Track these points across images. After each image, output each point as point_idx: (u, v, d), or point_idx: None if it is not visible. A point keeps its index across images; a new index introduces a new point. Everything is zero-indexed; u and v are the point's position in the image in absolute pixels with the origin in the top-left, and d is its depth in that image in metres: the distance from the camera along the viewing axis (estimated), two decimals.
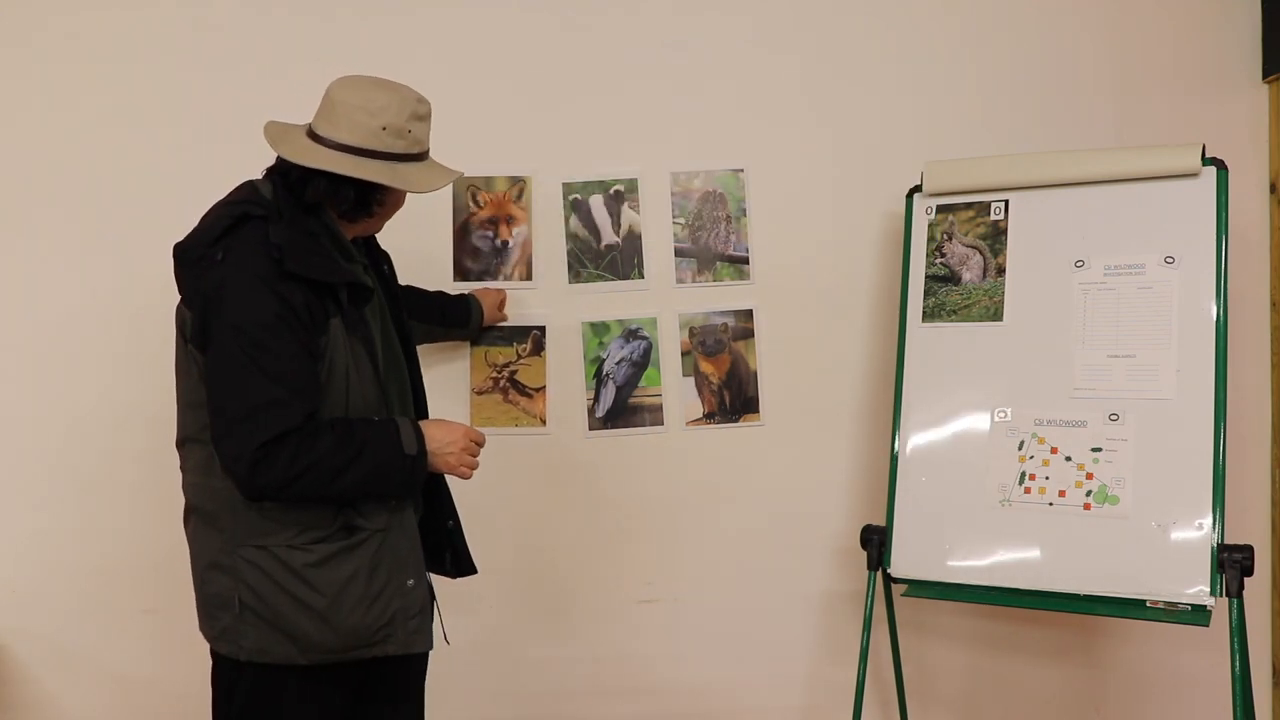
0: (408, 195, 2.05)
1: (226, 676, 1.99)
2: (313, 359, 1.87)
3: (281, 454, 1.80)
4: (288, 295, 1.84)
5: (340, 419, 1.91)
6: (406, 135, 1.96)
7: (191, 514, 2.01)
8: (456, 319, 2.70)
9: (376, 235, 2.23)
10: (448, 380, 2.83)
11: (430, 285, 2.75)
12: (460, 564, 2.27)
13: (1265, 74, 2.78)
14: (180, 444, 2.01)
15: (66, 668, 2.80)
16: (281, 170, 1.96)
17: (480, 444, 2.08)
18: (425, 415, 2.23)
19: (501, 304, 2.78)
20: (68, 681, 2.81)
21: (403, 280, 2.42)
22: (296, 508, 1.90)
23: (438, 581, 2.27)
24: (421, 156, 2.02)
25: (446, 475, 2.15)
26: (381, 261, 2.26)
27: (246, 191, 1.97)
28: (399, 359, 2.16)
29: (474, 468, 2.07)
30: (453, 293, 2.75)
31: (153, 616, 2.79)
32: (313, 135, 1.96)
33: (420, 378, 2.27)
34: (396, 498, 1.98)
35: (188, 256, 1.93)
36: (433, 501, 2.22)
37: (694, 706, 2.91)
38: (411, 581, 2.00)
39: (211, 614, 1.97)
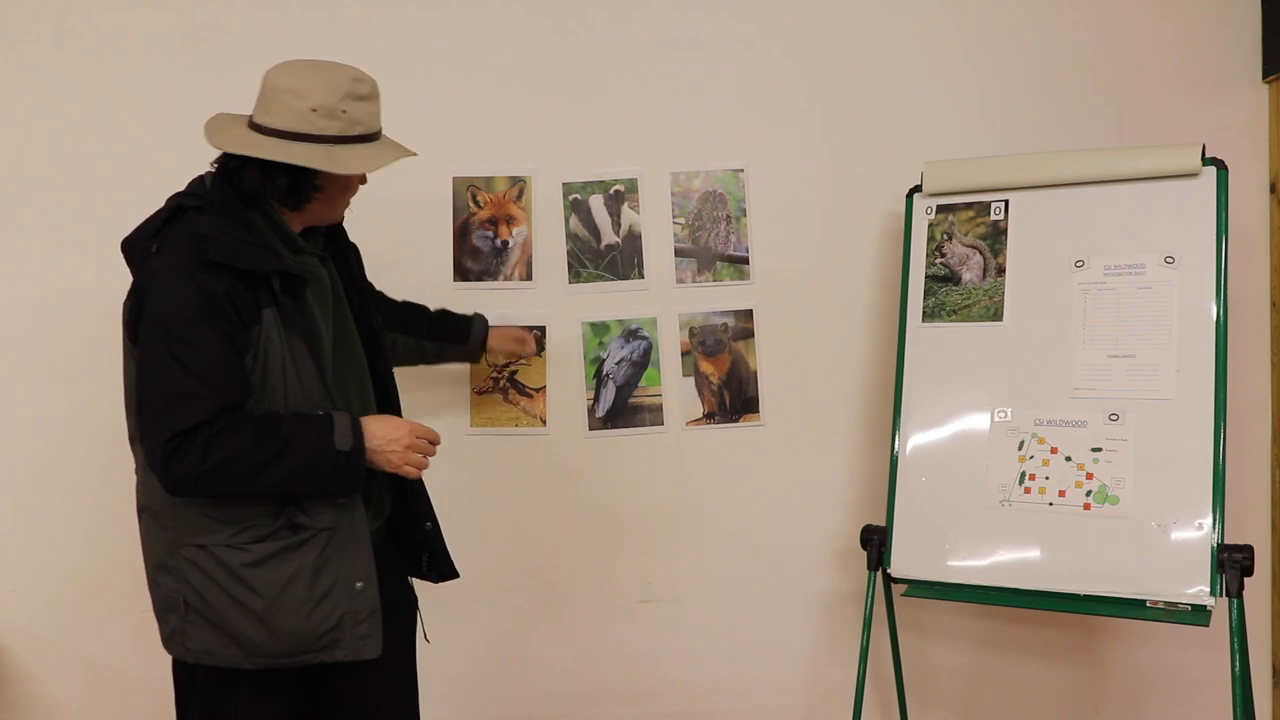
0: (370, 178, 2.03)
1: (182, 679, 2.00)
2: (236, 351, 1.82)
3: (194, 447, 1.76)
4: (210, 286, 1.80)
5: (268, 413, 1.84)
6: (341, 116, 1.88)
7: (141, 513, 1.97)
8: (449, 334, 2.58)
9: (343, 226, 2.16)
10: (448, 380, 2.83)
11: (430, 285, 2.74)
12: (440, 568, 2.21)
13: (1265, 74, 2.78)
14: (130, 442, 1.97)
15: (66, 668, 2.80)
16: (221, 161, 1.94)
17: (433, 441, 1.97)
18: (398, 414, 2.18)
19: (521, 340, 2.68)
20: (68, 681, 2.81)
21: (406, 286, 2.41)
22: (238, 505, 1.85)
23: (419, 583, 2.27)
24: (368, 138, 1.93)
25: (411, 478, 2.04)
26: (347, 254, 2.18)
27: (193, 184, 1.97)
28: (357, 354, 2.10)
29: (421, 467, 1.96)
30: (457, 309, 2.64)
31: (152, 616, 2.78)
32: (251, 124, 1.93)
33: (390, 375, 2.20)
34: (342, 495, 1.89)
35: (132, 252, 1.93)
36: (408, 502, 2.16)
37: (694, 706, 2.91)
38: (361, 584, 1.91)
39: (162, 615, 1.96)
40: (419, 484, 2.17)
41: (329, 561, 1.89)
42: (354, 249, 2.23)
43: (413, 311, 2.56)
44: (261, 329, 1.84)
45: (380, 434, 1.91)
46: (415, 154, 2.02)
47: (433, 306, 2.62)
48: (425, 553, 2.19)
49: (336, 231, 2.16)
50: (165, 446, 1.76)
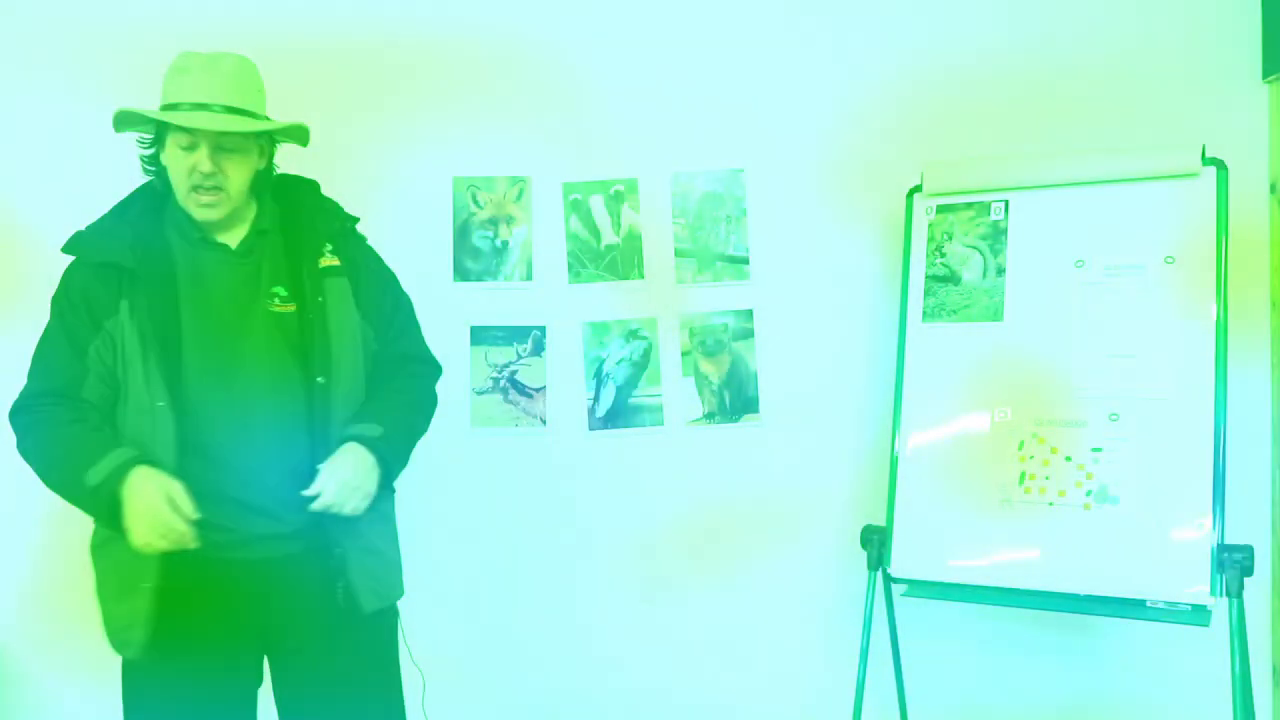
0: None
1: None
2: (71, 342, 1.91)
3: (15, 427, 1.95)
4: (70, 280, 1.95)
5: (78, 419, 1.89)
6: (166, 89, 1.95)
7: None
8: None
9: (362, 244, 2.16)
10: (448, 381, 2.82)
11: (430, 285, 2.73)
12: (350, 598, 1.99)
13: (1265, 74, 2.77)
14: None
15: (66, 668, 2.80)
16: None
17: (181, 538, 1.82)
18: (314, 431, 1.97)
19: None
20: (68, 681, 2.80)
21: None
22: None
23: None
24: (181, 106, 1.92)
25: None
26: (348, 271, 2.07)
27: None
28: (244, 360, 1.95)
29: (164, 548, 1.83)
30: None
31: None
32: None
33: (320, 396, 1.98)
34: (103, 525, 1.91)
35: None
36: (323, 528, 1.97)
37: (694, 706, 2.91)
38: (149, 585, 1.89)
39: None
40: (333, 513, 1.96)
41: (127, 557, 1.88)
42: (361, 267, 2.11)
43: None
44: (118, 319, 1.91)
45: (136, 504, 1.81)
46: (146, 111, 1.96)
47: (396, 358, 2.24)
48: (339, 581, 1.98)
49: (349, 245, 2.10)
50: (8, 420, 1.96)
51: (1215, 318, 2.31)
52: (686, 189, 2.87)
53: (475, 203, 2.84)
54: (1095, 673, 2.87)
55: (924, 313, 2.61)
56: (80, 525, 2.77)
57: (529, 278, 2.85)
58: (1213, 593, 2.19)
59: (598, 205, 2.86)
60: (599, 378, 2.86)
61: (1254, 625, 2.63)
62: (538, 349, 2.82)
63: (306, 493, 1.89)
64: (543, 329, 2.84)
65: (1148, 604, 2.24)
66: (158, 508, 1.80)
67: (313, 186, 2.17)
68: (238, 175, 1.96)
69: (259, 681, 2.09)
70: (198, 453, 1.91)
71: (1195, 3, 2.80)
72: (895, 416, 2.59)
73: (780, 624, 2.91)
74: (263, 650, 2.06)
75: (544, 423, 2.86)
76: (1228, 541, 2.22)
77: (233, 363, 1.95)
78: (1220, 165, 2.36)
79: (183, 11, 2.78)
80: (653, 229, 2.86)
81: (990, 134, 2.82)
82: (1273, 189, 2.80)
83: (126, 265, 1.91)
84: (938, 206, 2.64)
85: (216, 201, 1.95)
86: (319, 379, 1.97)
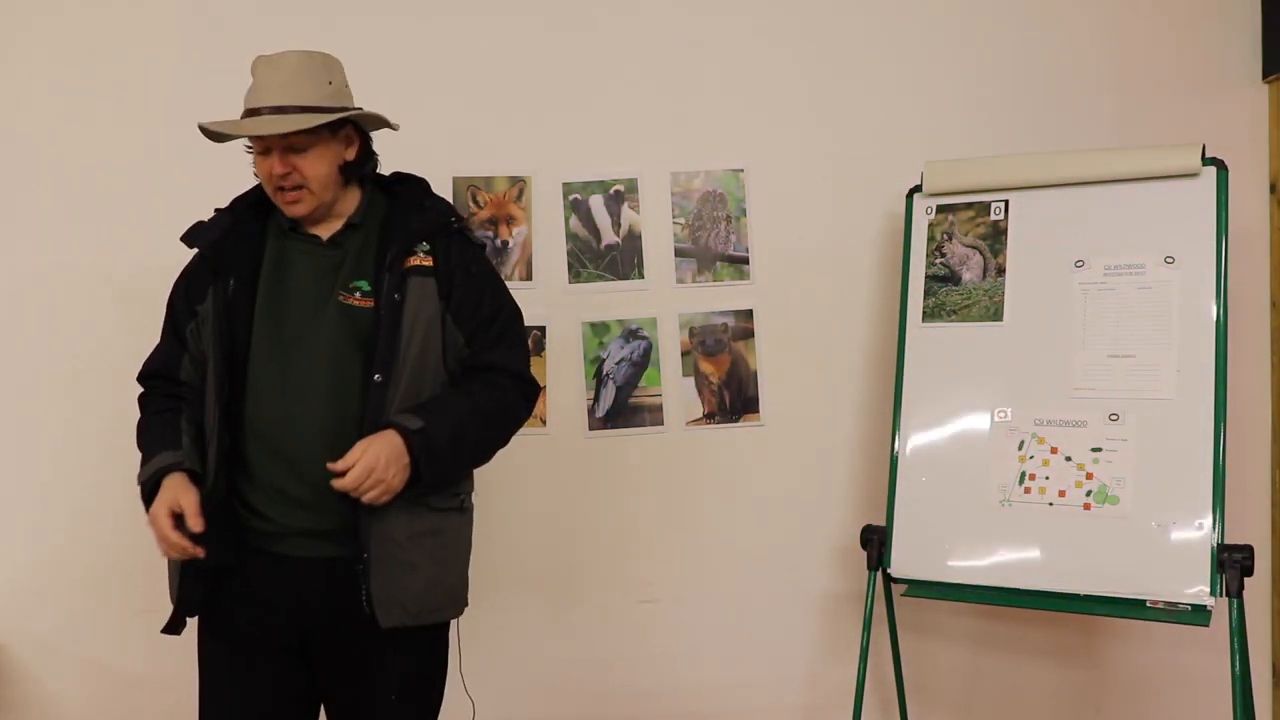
0: (259, 158, 1.98)
1: None
2: (174, 326, 2.04)
3: (139, 400, 2.08)
4: (187, 267, 2.06)
5: (164, 409, 2.01)
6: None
7: None
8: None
9: (465, 240, 2.06)
10: None
11: None
12: (371, 604, 1.90)
13: (1265, 74, 2.78)
14: None
15: (66, 668, 2.80)
16: None
17: (182, 550, 1.86)
18: (363, 431, 1.89)
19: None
20: (68, 681, 2.80)
21: None
22: None
23: None
24: (247, 113, 1.94)
25: (368, 506, 1.87)
26: (442, 269, 1.99)
27: None
28: (308, 355, 1.93)
29: (166, 554, 1.91)
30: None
31: (151, 616, 2.75)
32: None
33: (376, 395, 1.91)
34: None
35: None
36: (356, 534, 1.92)
37: (694, 706, 2.91)
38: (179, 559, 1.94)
39: None
40: (365, 517, 1.89)
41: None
42: (459, 270, 2.01)
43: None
44: (206, 305, 1.97)
45: (156, 504, 1.89)
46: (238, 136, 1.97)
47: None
48: (362, 587, 1.90)
49: (450, 246, 2.02)
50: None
51: (1215, 318, 2.31)
52: (686, 189, 2.87)
53: (475, 203, 2.84)
54: (1095, 673, 2.87)
55: (924, 313, 2.61)
56: (78, 526, 2.79)
57: (529, 278, 2.85)
58: (1213, 593, 2.19)
59: (598, 205, 2.86)
60: (599, 378, 2.86)
61: (1254, 625, 2.63)
62: (538, 349, 2.82)
63: (332, 465, 1.83)
64: (543, 329, 2.84)
65: (1148, 604, 2.24)
66: (160, 520, 1.86)
67: (420, 184, 2.12)
68: (316, 171, 1.94)
69: (304, 680, 2.03)
70: (251, 436, 1.94)
71: (1195, 3, 2.81)
72: (895, 416, 2.59)
73: (780, 624, 2.90)
74: (303, 650, 2.02)
75: (544, 423, 2.86)
76: (1228, 541, 2.22)
77: (294, 352, 1.94)
78: (1220, 165, 2.36)
79: (182, 9, 2.78)
80: (653, 229, 2.86)
81: (990, 134, 2.82)
82: (1273, 189, 2.80)
83: (210, 254, 1.99)
84: (938, 206, 2.64)
85: (299, 199, 1.95)
86: (376, 377, 1.90)
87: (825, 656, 2.90)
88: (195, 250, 2.02)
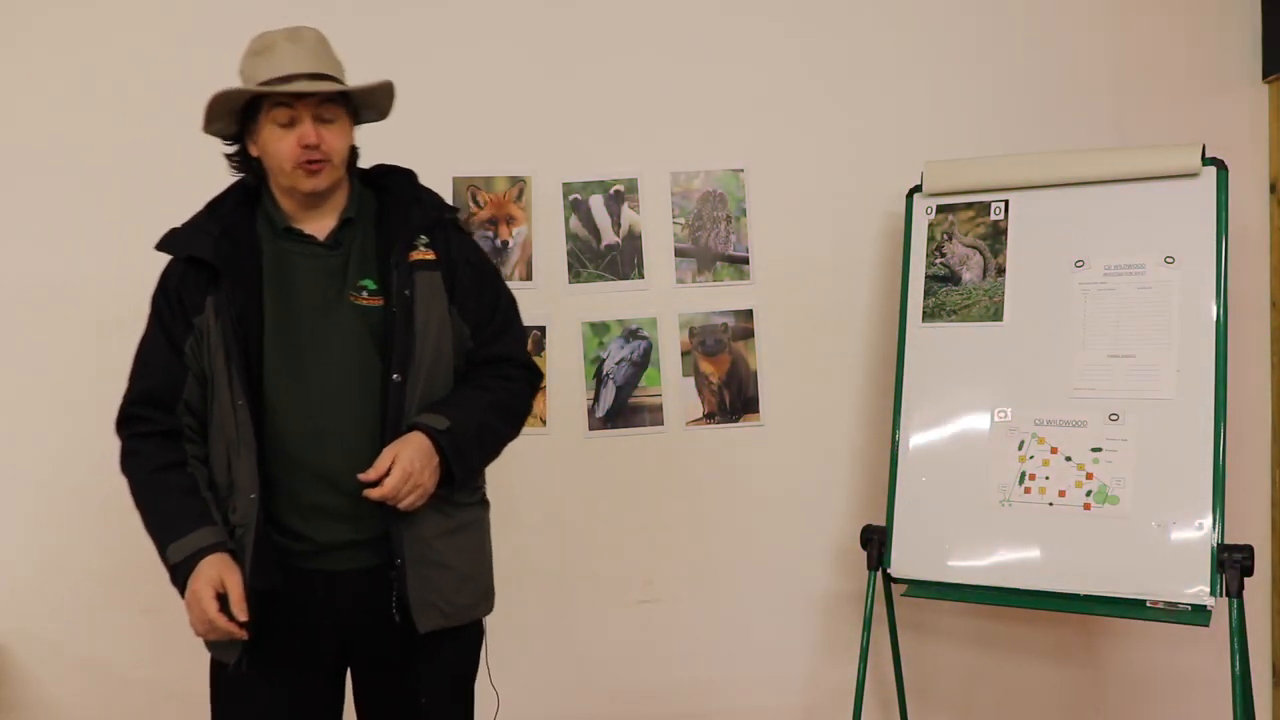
0: (278, 132, 1.87)
1: None
2: (168, 339, 1.88)
3: (121, 439, 1.91)
4: (167, 276, 1.91)
5: (173, 462, 1.86)
6: (254, 69, 1.87)
7: None
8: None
9: (463, 240, 2.02)
10: None
11: None
12: (404, 613, 1.88)
13: (1265, 74, 2.78)
14: None
15: (66, 668, 2.80)
16: None
17: (224, 630, 1.78)
18: (385, 432, 1.85)
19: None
20: (68, 681, 2.80)
21: None
22: None
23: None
24: (275, 80, 1.83)
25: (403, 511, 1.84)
26: (444, 266, 1.95)
27: None
28: (322, 361, 1.88)
29: (201, 633, 1.82)
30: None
31: (151, 616, 2.79)
32: None
33: (397, 400, 1.87)
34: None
35: None
36: (389, 534, 1.89)
37: (694, 706, 2.91)
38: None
39: None
40: (399, 523, 1.86)
41: None
42: (459, 262, 1.98)
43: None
44: (204, 316, 1.86)
45: (193, 586, 1.79)
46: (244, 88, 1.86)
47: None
48: (394, 593, 1.87)
49: (447, 238, 1.98)
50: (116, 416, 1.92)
51: (1215, 318, 2.31)
52: (686, 189, 2.87)
53: (475, 203, 2.84)
54: (1095, 673, 2.87)
55: (924, 313, 2.61)
56: (79, 526, 2.78)
57: (529, 278, 2.85)
58: (1212, 593, 2.19)
59: (598, 205, 2.86)
60: (599, 378, 2.86)
61: (1254, 625, 2.63)
62: (538, 349, 2.82)
63: (363, 476, 1.79)
64: (543, 329, 2.84)
65: (1148, 604, 2.24)
66: (208, 604, 1.77)
67: (409, 175, 2.07)
68: (339, 145, 1.89)
69: (341, 698, 2.01)
70: (277, 454, 1.84)
71: (1195, 3, 2.81)
72: (895, 416, 2.59)
73: (780, 624, 2.91)
74: (344, 665, 1.99)
75: (544, 423, 2.86)
76: (1228, 541, 2.22)
77: (310, 359, 1.87)
78: (1220, 165, 2.36)
79: (179, 6, 2.78)
80: (653, 229, 2.86)
81: (990, 134, 2.82)
82: (1273, 189, 2.80)
83: (209, 261, 1.86)
84: (938, 206, 2.64)
85: (322, 169, 1.87)
86: (394, 376, 1.85)
87: (825, 656, 2.90)
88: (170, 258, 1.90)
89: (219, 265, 1.86)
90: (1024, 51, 2.84)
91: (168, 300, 1.88)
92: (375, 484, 1.79)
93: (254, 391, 1.84)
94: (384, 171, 2.06)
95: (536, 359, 2.74)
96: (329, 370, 1.87)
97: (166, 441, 1.88)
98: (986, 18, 2.85)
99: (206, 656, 2.01)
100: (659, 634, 2.91)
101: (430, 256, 1.94)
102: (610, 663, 2.91)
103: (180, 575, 1.81)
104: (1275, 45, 2.73)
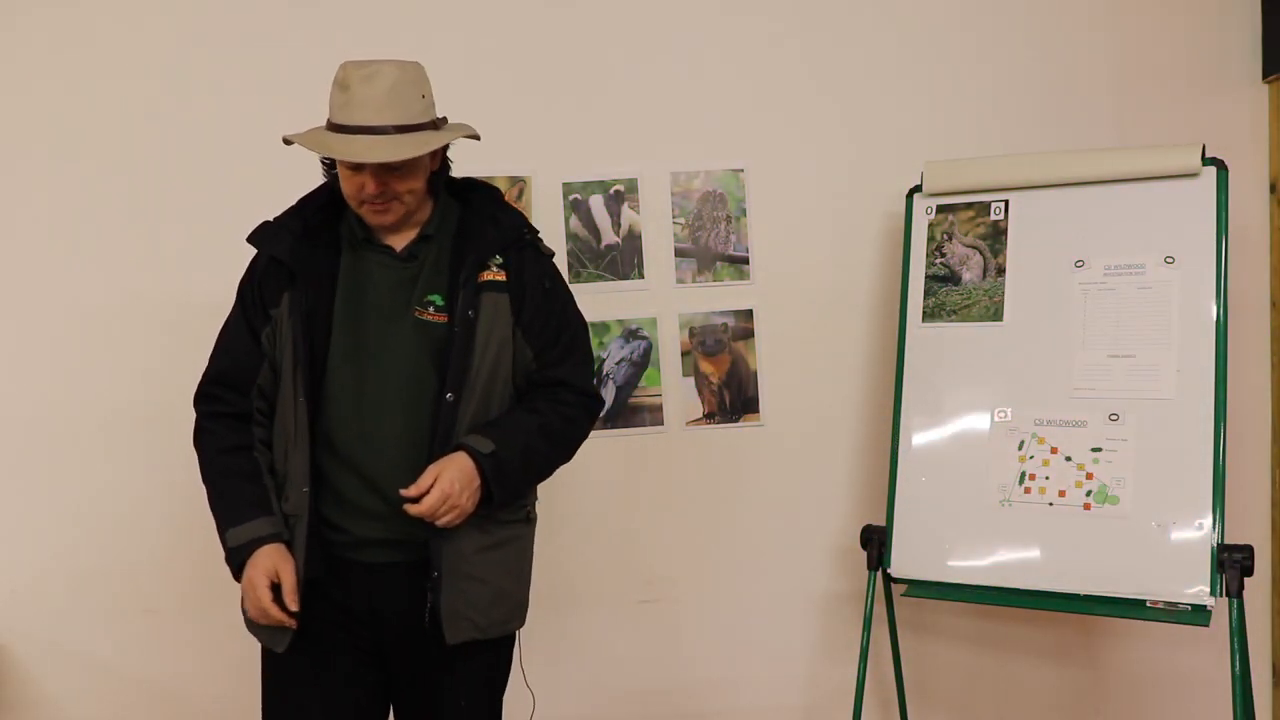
0: (346, 171, 1.90)
1: None
2: (249, 327, 1.95)
3: (197, 413, 1.99)
4: (253, 267, 1.99)
5: (240, 445, 1.94)
6: (331, 104, 1.89)
7: None
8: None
9: (537, 256, 2.05)
10: None
11: None
12: (438, 621, 1.91)
13: (1265, 74, 2.78)
14: None
15: (66, 668, 2.80)
16: None
17: (276, 619, 1.86)
18: (433, 448, 1.89)
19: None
20: (68, 681, 2.80)
21: None
22: None
23: None
24: (348, 128, 1.84)
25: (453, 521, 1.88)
26: (513, 286, 1.97)
27: None
28: (384, 370, 1.91)
29: (254, 618, 1.90)
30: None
31: (153, 616, 2.79)
32: None
33: (448, 415, 1.90)
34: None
35: None
36: (428, 542, 1.92)
37: (694, 706, 2.91)
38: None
39: None
40: (455, 529, 1.89)
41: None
42: (531, 285, 1.99)
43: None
44: (280, 309, 1.92)
45: (249, 573, 1.88)
46: (358, 160, 1.84)
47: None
48: (427, 602, 1.90)
49: (522, 260, 2.00)
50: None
51: (1215, 318, 2.31)
52: (686, 189, 2.87)
53: None
54: (1095, 673, 2.87)
55: (924, 313, 2.61)
56: (79, 526, 2.78)
57: None
58: (1212, 593, 2.19)
59: (598, 205, 2.86)
60: (599, 378, 2.86)
61: (1254, 625, 2.64)
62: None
63: (405, 492, 1.82)
64: None
65: (1148, 604, 2.24)
66: (262, 591, 1.85)
67: (493, 194, 2.09)
68: (410, 186, 1.91)
69: (386, 688, 2.04)
70: (328, 452, 1.91)
71: (1195, 3, 2.81)
72: (895, 417, 2.59)
73: (780, 624, 2.91)
74: (384, 658, 2.01)
75: None
76: (1227, 541, 2.22)
77: (370, 366, 1.92)
78: (1220, 165, 2.36)
79: (183, 9, 2.78)
80: (653, 229, 2.86)
81: (990, 134, 2.82)
82: (1273, 189, 2.80)
83: (284, 260, 1.92)
84: (938, 206, 2.64)
85: (389, 209, 1.91)
86: (448, 395, 1.88)
87: (825, 656, 2.90)
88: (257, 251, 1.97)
89: (293, 266, 1.92)
90: (1024, 51, 2.84)
91: (252, 289, 1.97)
92: (416, 499, 1.83)
93: (314, 390, 1.90)
94: (469, 186, 2.09)
95: None
96: (386, 379, 1.92)
97: (236, 423, 1.96)
98: (986, 18, 2.85)
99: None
100: (659, 634, 2.91)
101: (500, 277, 1.96)
102: (610, 663, 2.91)
103: (235, 560, 1.90)
104: (1275, 45, 2.73)
